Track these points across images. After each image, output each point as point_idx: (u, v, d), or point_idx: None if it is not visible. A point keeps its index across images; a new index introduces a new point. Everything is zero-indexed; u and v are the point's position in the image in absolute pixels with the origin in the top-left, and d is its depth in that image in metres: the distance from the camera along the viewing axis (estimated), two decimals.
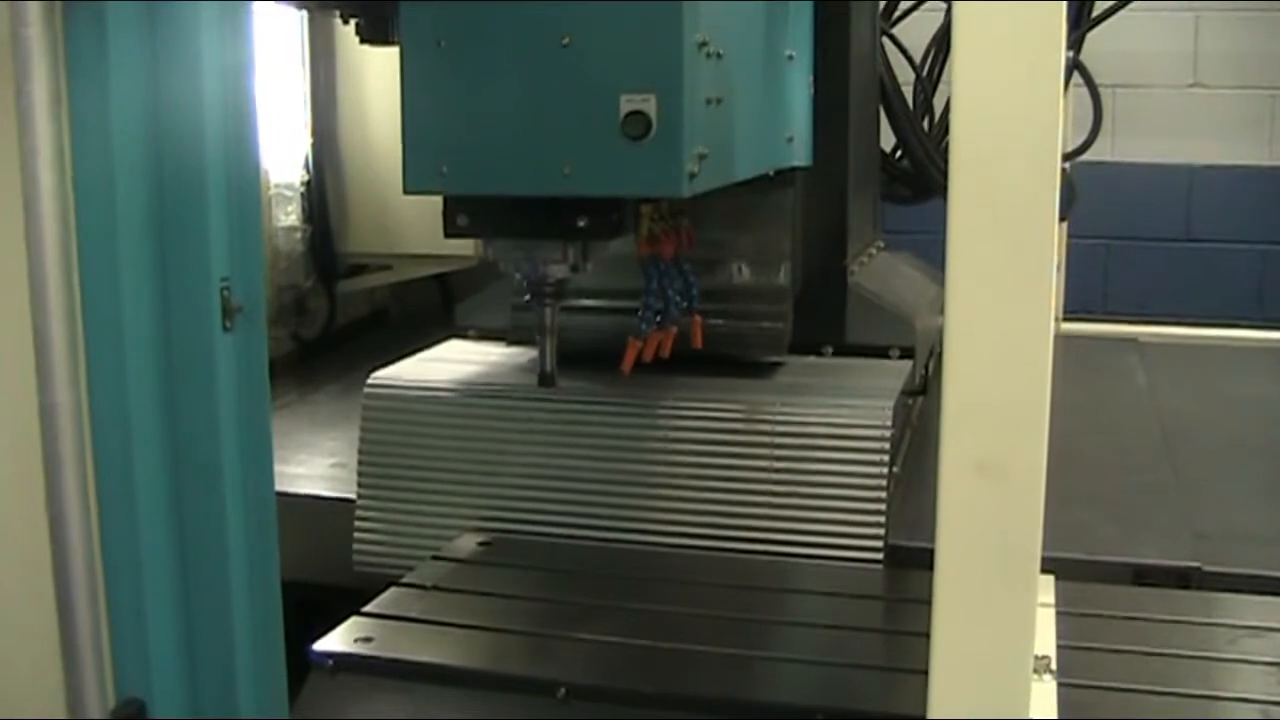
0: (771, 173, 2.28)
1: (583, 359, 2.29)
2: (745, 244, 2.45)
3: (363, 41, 2.09)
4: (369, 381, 2.39)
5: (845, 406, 2.17)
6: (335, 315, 3.68)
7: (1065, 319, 4.09)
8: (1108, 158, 4.93)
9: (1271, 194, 5.18)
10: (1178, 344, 3.88)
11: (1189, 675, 1.71)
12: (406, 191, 1.85)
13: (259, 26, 1.77)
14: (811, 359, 2.50)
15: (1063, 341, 3.68)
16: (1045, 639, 1.71)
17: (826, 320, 2.55)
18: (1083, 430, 2.78)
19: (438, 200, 3.31)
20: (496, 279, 2.73)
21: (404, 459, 2.34)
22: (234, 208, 1.69)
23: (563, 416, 2.26)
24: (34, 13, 1.47)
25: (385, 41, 2.03)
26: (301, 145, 3.44)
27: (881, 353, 2.50)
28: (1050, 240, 1.12)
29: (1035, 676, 1.57)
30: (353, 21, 2.12)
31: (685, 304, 2.27)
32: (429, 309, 4.12)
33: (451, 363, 2.51)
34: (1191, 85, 5.21)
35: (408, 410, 2.35)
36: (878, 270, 2.85)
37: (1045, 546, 1.18)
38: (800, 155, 2.36)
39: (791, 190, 2.43)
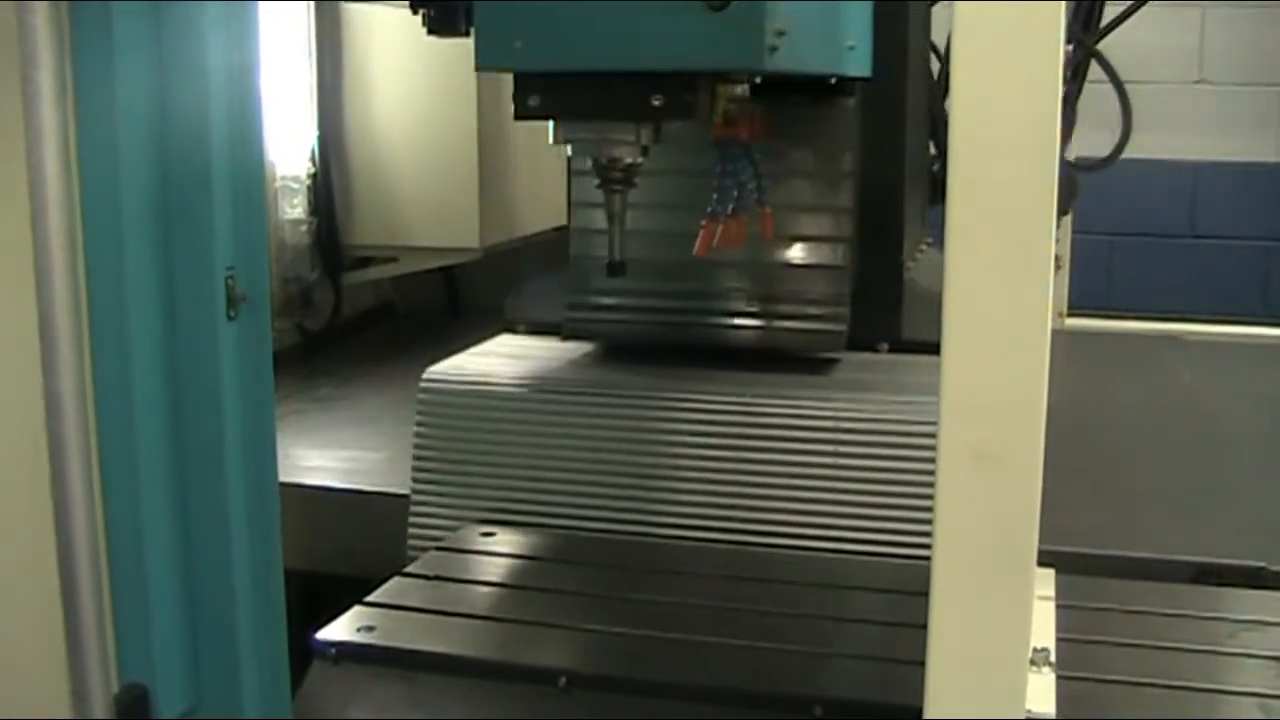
0: (833, 80, 2.27)
1: (640, 356, 2.29)
2: (804, 155, 2.43)
3: (430, 32, 2.04)
4: (424, 376, 2.39)
5: (908, 404, 2.15)
6: (341, 307, 3.69)
7: (1069, 314, 4.09)
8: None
9: (1276, 190, 5.18)
10: (1184, 339, 3.87)
11: (1188, 668, 1.71)
12: (479, 68, 1.79)
13: (265, 18, 1.77)
14: (868, 355, 2.48)
15: (1065, 337, 3.70)
16: (1045, 632, 1.72)
17: (882, 316, 2.52)
18: (1086, 425, 2.78)
19: (443, 192, 3.38)
20: (544, 273, 2.73)
21: (458, 452, 2.34)
22: (239, 197, 1.69)
23: (620, 412, 2.25)
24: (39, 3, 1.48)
25: (453, 33, 1.99)
26: (308, 138, 3.44)
27: (937, 349, 2.49)
28: (1048, 232, 1.13)
29: (1034, 668, 1.57)
30: (421, 13, 2.07)
31: (756, 194, 2.27)
32: (434, 301, 4.14)
33: (505, 357, 2.51)
34: (1197, 81, 5.20)
35: (463, 405, 2.34)
36: (931, 266, 2.84)
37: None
38: (861, 65, 2.30)
39: (852, 100, 2.41)
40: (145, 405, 1.65)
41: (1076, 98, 3.21)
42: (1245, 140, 5.18)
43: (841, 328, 2.41)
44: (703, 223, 2.20)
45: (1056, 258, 1.17)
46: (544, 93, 1.83)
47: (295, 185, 3.42)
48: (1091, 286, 4.99)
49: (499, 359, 2.49)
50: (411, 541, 2.33)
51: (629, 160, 1.93)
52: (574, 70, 1.78)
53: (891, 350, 2.51)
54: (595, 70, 1.76)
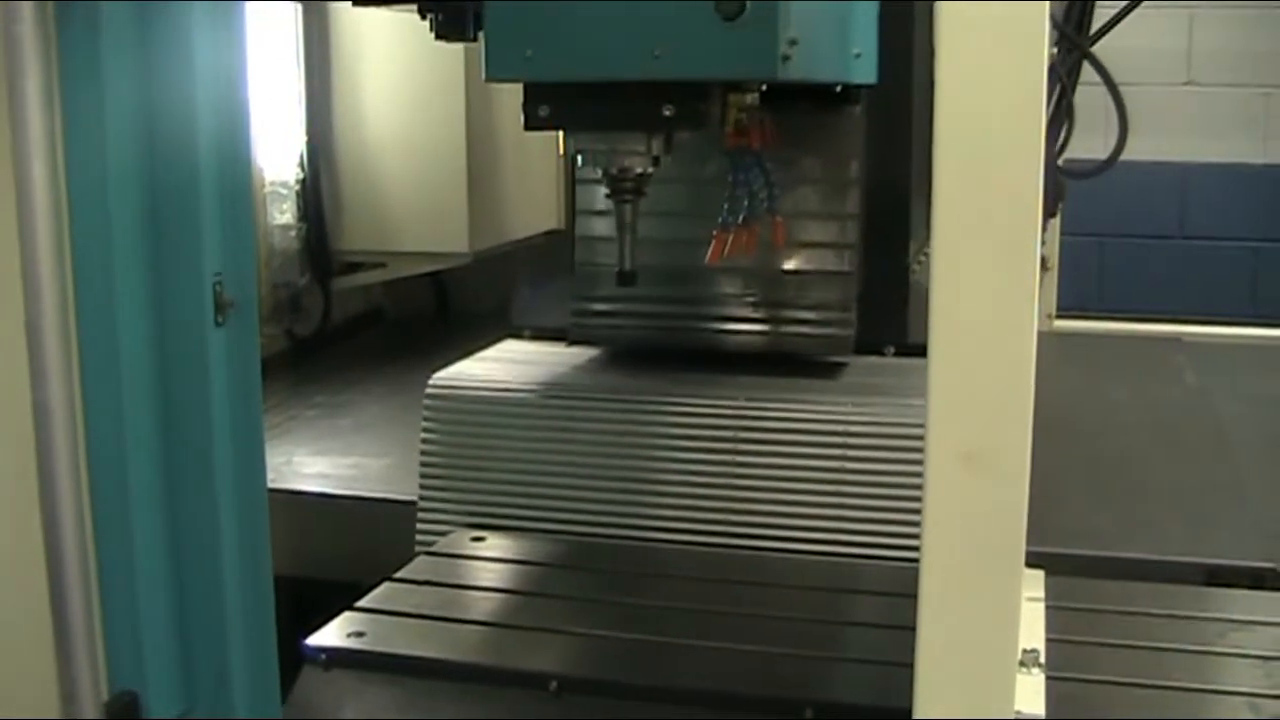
0: (839, 88, 2.27)
1: (646, 361, 2.28)
2: (810, 163, 2.43)
3: (438, 37, 2.03)
4: (431, 381, 2.39)
5: (915, 407, 2.14)
6: (330, 313, 3.69)
7: (1058, 316, 4.09)
8: (1101, 155, 4.94)
9: (1264, 192, 5.20)
10: (1178, 340, 3.88)
11: (1179, 668, 1.72)
12: (488, 79, 1.78)
13: (253, 23, 1.76)
14: (874, 359, 2.48)
15: (1054, 339, 3.71)
16: (1034, 633, 1.72)
17: (889, 320, 2.52)
18: (1083, 427, 2.79)
19: (432, 197, 3.38)
20: (545, 278, 2.73)
21: (464, 458, 2.33)
22: (227, 203, 1.69)
23: (627, 417, 2.25)
24: (26, 10, 1.48)
25: (461, 38, 1.96)
26: (297, 143, 3.44)
27: None
28: (1034, 233, 1.13)
29: (1023, 669, 1.58)
30: (429, 17, 2.06)
31: (766, 203, 2.27)
32: (424, 306, 4.14)
33: (510, 363, 2.51)
34: (1185, 83, 5.22)
35: (470, 410, 2.34)
36: None
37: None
38: (867, 72, 2.27)
39: (858, 107, 2.41)
40: (134, 412, 1.65)
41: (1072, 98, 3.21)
42: (1233, 142, 5.20)
43: (848, 332, 2.41)
44: (714, 232, 2.20)
45: (1044, 259, 1.18)
46: (554, 103, 1.82)
47: (284, 190, 3.42)
48: (1081, 288, 5.00)
49: (504, 364, 2.49)
50: (418, 548, 2.33)
51: (640, 170, 1.92)
52: (585, 80, 1.76)
53: (897, 354, 2.50)
54: (606, 80, 1.74)
